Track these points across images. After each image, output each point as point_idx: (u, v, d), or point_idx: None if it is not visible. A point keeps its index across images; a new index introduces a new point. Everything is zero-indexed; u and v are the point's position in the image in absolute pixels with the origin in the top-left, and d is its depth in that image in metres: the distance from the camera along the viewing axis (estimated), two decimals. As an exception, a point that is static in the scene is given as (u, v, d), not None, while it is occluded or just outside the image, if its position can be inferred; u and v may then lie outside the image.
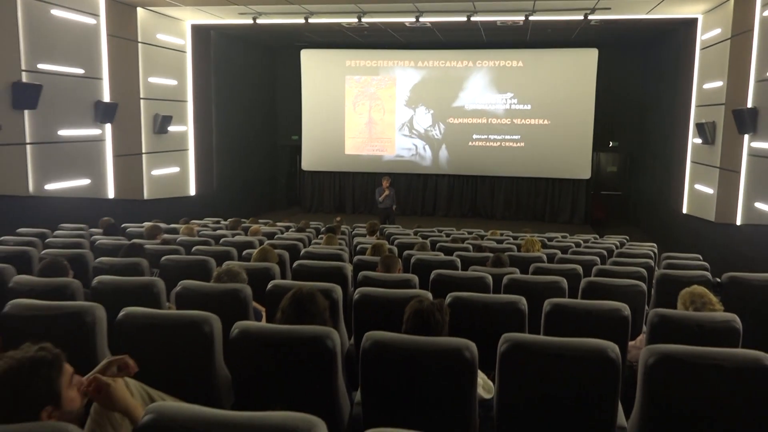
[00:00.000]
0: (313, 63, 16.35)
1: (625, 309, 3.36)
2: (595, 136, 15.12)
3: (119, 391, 2.01)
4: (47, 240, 6.47)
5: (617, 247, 7.76)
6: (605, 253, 6.87)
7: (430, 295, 3.47)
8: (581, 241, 8.61)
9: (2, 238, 6.33)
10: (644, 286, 4.39)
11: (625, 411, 2.78)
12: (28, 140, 9.03)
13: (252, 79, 16.28)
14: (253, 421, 1.49)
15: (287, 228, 9.24)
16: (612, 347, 2.42)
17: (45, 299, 3.00)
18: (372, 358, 2.50)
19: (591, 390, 2.44)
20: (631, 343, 3.57)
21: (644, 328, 3.88)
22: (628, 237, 9.78)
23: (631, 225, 15.08)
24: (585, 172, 15.45)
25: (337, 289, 3.67)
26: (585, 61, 15.00)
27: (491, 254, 5.55)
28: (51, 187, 9.53)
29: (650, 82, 14.90)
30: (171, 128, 12.51)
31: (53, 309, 2.83)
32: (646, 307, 4.51)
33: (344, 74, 16.24)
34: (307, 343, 2.54)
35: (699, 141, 10.88)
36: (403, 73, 16.02)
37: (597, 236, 10.43)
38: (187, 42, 13.28)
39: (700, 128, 10.59)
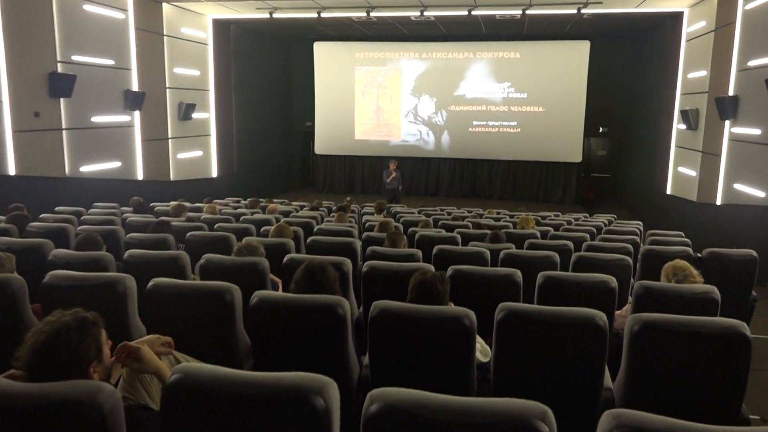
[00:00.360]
0: (325, 54, 16.23)
1: (613, 281, 3.34)
2: (587, 122, 14.97)
3: (147, 355, 2.03)
4: (82, 217, 6.49)
5: (605, 225, 7.72)
6: (594, 230, 6.84)
7: (432, 268, 3.47)
8: (572, 220, 8.57)
9: (42, 215, 6.35)
10: (630, 261, 4.37)
11: (612, 375, 2.78)
12: (64, 126, 9.03)
13: (268, 70, 16.18)
14: (271, 380, 1.50)
15: (301, 207, 9.23)
16: (600, 315, 2.41)
17: (81, 271, 3.02)
18: (379, 325, 2.51)
19: (580, 354, 2.44)
20: (617, 312, 3.56)
21: (630, 299, 3.87)
22: (615, 216, 9.73)
23: (618, 205, 14.99)
24: (576, 156, 15.34)
25: (347, 263, 3.67)
26: (578, 53, 14.82)
27: (489, 231, 5.53)
28: (85, 169, 9.55)
29: (638, 72, 14.72)
30: (194, 115, 12.47)
31: (88, 279, 2.84)
32: (632, 279, 4.49)
33: (354, 65, 16.12)
34: (320, 311, 2.55)
35: (683, 127, 10.76)
36: (409, 63, 15.88)
37: (587, 215, 10.38)
38: (208, 35, 13.18)
39: (684, 115, 10.47)
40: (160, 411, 1.60)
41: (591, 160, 16.60)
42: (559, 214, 9.83)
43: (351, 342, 2.66)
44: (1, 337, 1.81)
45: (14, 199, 6.47)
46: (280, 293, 2.79)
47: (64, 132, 9.03)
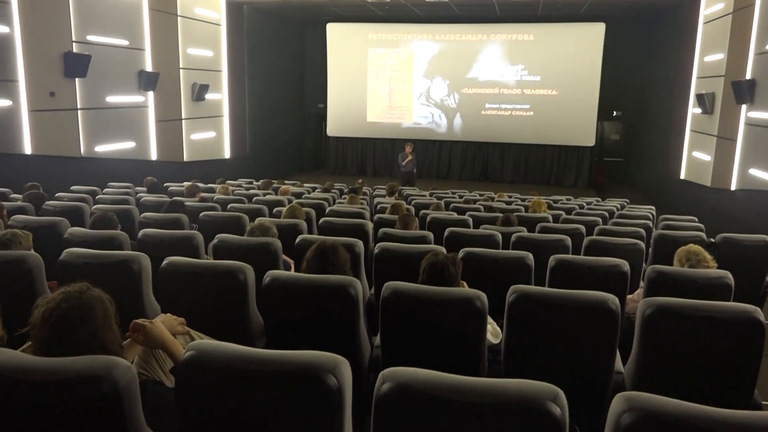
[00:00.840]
0: (338, 36, 16.12)
1: (625, 265, 3.32)
2: (600, 105, 14.81)
3: (156, 331, 2.03)
4: (97, 197, 6.54)
5: (618, 209, 7.66)
6: (606, 214, 6.78)
7: (444, 251, 3.46)
8: (584, 204, 8.51)
9: (58, 194, 6.41)
10: (642, 245, 4.33)
11: (623, 358, 2.77)
12: (79, 106, 9.06)
13: (281, 51, 16.10)
14: (284, 358, 1.50)
15: (313, 189, 9.24)
16: (612, 299, 2.40)
17: (96, 249, 3.04)
18: (391, 306, 2.51)
19: (592, 338, 2.43)
20: (629, 296, 3.54)
21: (641, 284, 3.85)
22: (628, 200, 9.65)
23: (631, 189, 14.86)
24: (589, 140, 15.19)
25: (359, 244, 3.67)
26: (592, 35, 14.60)
27: (501, 215, 5.50)
28: (100, 149, 9.60)
29: (654, 55, 14.48)
30: (208, 96, 12.46)
31: (104, 257, 2.85)
32: (644, 264, 4.46)
33: (367, 47, 16.00)
34: (332, 291, 2.55)
35: (698, 111, 10.60)
36: (422, 45, 15.73)
37: (599, 199, 10.29)
38: (222, 16, 13.10)
39: (700, 99, 10.31)
40: (175, 387, 1.61)
41: (604, 144, 16.45)
42: (571, 198, 9.76)
43: (362, 322, 2.67)
44: (18, 313, 1.82)
45: (31, 178, 6.53)
46: (292, 273, 2.80)
47: (79, 112, 9.07)
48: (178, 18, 11.49)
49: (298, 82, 17.23)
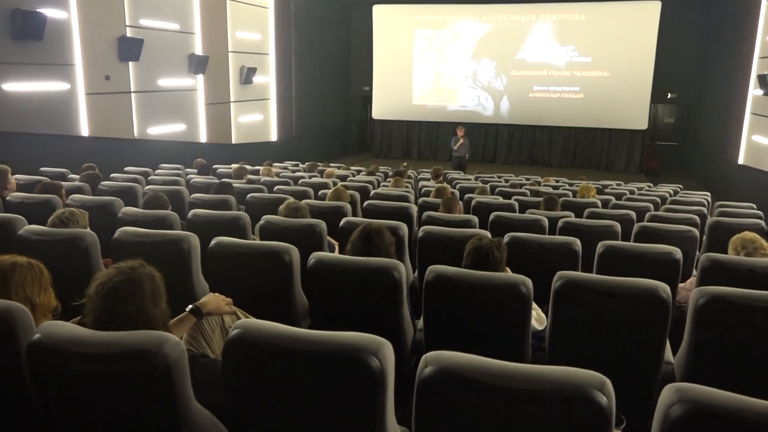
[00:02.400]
0: (384, 18, 16.02)
1: (677, 252, 3.21)
2: (654, 87, 14.29)
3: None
4: (149, 177, 6.73)
5: (671, 195, 7.41)
6: (659, 200, 6.57)
7: (489, 235, 3.42)
8: (635, 189, 8.26)
9: (112, 174, 6.62)
10: (696, 232, 4.17)
11: (673, 348, 2.69)
12: (132, 89, 9.31)
13: (328, 34, 16.11)
14: (327, 338, 1.51)
15: (358, 171, 9.26)
16: (663, 287, 2.32)
17: (147, 228, 3.13)
18: (434, 290, 2.50)
19: (640, 327, 2.36)
20: (681, 285, 3.43)
21: (694, 272, 3.71)
22: (681, 186, 9.32)
23: (685, 175, 14.34)
24: (642, 123, 14.69)
25: (403, 227, 3.67)
26: (647, 13, 14.05)
27: (547, 198, 5.39)
28: (152, 131, 9.85)
29: (712, 34, 13.84)
30: (255, 79, 12.61)
31: (156, 236, 2.94)
32: (698, 252, 4.30)
33: (413, 28, 15.85)
34: (375, 274, 2.55)
35: (760, 92, 10.09)
36: (469, 26, 15.48)
37: (651, 185, 9.98)
38: (269, -1, 13.22)
39: (762, 79, 9.80)
40: (222, 362, 1.65)
41: (657, 127, 15.88)
42: (621, 183, 9.49)
43: (406, 305, 2.67)
44: (76, 288, 1.90)
45: (87, 159, 6.76)
46: (336, 255, 2.82)
47: (132, 95, 9.31)
48: (228, 2, 11.63)
49: (344, 65, 17.23)
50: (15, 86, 7.29)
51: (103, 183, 5.57)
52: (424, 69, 15.98)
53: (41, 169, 6.58)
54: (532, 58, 15.16)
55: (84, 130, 8.44)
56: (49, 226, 3.11)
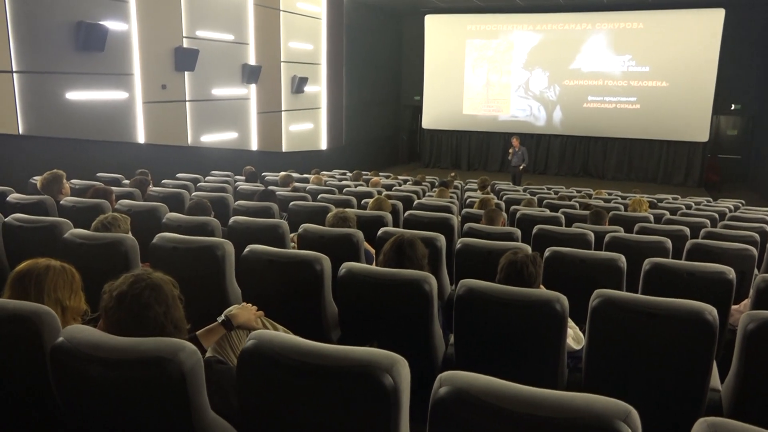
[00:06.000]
0: (436, 28, 16.01)
1: (730, 272, 3.01)
2: (716, 97, 13.69)
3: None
4: (199, 184, 6.88)
5: (730, 211, 7.04)
6: (717, 216, 6.25)
7: (528, 249, 3.31)
8: (693, 204, 7.89)
9: (164, 181, 6.81)
10: (755, 251, 3.92)
11: (723, 374, 2.52)
12: (187, 98, 9.59)
13: (379, 43, 16.22)
14: (341, 354, 1.47)
15: (405, 181, 9.23)
16: (710, 310, 2.17)
17: (189, 234, 3.17)
18: (465, 304, 2.43)
19: (684, 351, 2.22)
20: (734, 306, 3.22)
21: (751, 294, 3.49)
22: (744, 201, 8.85)
23: (748, 189, 13.65)
24: (702, 135, 14.10)
25: (441, 238, 3.59)
26: (710, 22, 13.51)
27: (597, 212, 5.20)
28: (205, 139, 10.11)
29: (781, 43, 13.18)
30: (306, 88, 12.79)
31: (191, 243, 2.97)
32: (756, 271, 4.05)
33: (465, 38, 15.77)
34: (406, 286, 2.50)
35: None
36: (522, 36, 15.28)
37: (710, 199, 9.53)
38: (322, 9, 13.39)
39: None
40: (236, 372, 1.63)
41: (719, 139, 15.22)
42: (678, 197, 9.12)
43: (437, 319, 2.60)
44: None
45: (142, 166, 6.98)
46: (366, 266, 2.78)
47: (187, 104, 9.59)
48: (281, 12, 11.86)
49: (395, 74, 17.29)
50: (77, 95, 7.62)
51: (152, 188, 5.72)
52: (475, 79, 15.86)
53: (98, 174, 6.84)
54: (587, 68, 14.82)
55: (140, 138, 8.74)
56: (92, 230, 3.20)
